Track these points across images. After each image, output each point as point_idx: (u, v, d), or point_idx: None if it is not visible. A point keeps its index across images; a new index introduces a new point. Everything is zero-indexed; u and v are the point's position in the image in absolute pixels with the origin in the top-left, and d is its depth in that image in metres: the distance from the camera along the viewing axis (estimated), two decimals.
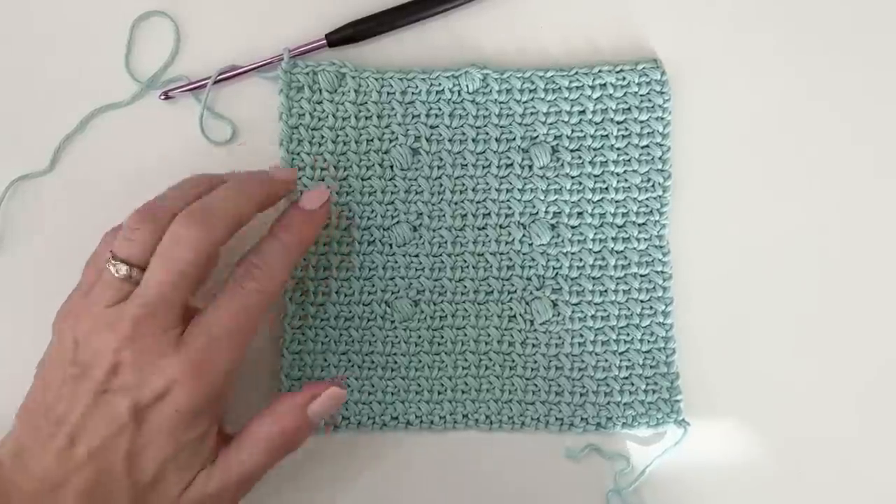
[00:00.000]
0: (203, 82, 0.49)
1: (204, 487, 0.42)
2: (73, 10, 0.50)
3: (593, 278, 0.49)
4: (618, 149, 0.49)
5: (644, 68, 0.49)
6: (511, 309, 0.49)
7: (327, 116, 0.49)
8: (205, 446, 0.42)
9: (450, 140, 0.49)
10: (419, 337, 0.49)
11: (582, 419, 0.49)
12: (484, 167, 0.49)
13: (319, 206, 0.46)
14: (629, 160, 0.49)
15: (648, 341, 0.49)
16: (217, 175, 0.45)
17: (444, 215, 0.49)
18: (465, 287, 0.49)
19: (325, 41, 0.49)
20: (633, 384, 0.49)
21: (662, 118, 0.49)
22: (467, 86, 0.49)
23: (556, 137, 0.49)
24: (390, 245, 0.49)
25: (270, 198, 0.45)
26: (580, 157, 0.49)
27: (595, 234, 0.49)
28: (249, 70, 0.49)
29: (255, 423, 0.44)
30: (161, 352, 0.41)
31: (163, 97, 0.49)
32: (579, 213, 0.49)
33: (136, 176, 0.50)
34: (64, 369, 0.41)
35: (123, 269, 0.41)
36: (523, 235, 0.49)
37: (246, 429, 0.44)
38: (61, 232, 0.50)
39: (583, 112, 0.49)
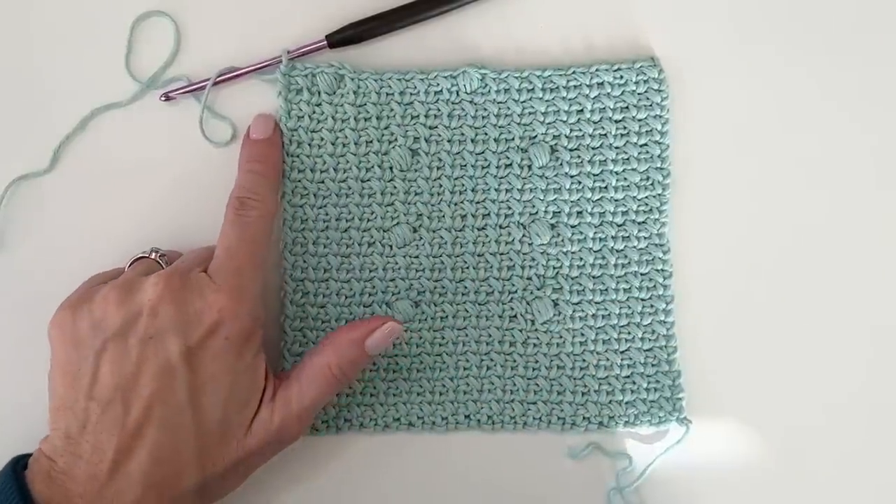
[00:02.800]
0: (203, 83, 0.49)
1: (268, 423, 0.43)
2: (73, 10, 0.50)
3: (594, 277, 0.49)
4: (616, 147, 0.49)
5: (641, 67, 0.49)
6: (512, 309, 0.49)
7: (326, 118, 0.49)
8: (259, 376, 0.44)
9: (449, 141, 0.49)
10: (420, 338, 0.49)
11: (584, 418, 0.49)
12: (483, 167, 0.49)
13: (272, 131, 0.48)
14: (628, 159, 0.49)
15: (650, 340, 0.49)
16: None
17: (443, 216, 0.49)
18: (466, 287, 0.49)
19: (325, 42, 0.49)
20: (634, 383, 0.49)
21: (661, 116, 0.49)
22: (465, 86, 0.49)
23: (554, 137, 0.49)
24: (390, 246, 0.49)
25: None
26: (579, 157, 0.49)
27: (595, 233, 0.49)
28: (248, 72, 0.49)
29: (314, 358, 0.45)
30: (199, 288, 0.42)
31: (163, 98, 0.49)
32: (579, 213, 0.49)
33: (136, 176, 0.50)
34: (88, 343, 0.42)
35: (161, 251, 0.47)
36: (523, 235, 0.49)
37: (303, 363, 0.45)
38: (61, 232, 0.50)
39: (581, 111, 0.49)
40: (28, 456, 0.42)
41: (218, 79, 0.49)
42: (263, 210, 0.46)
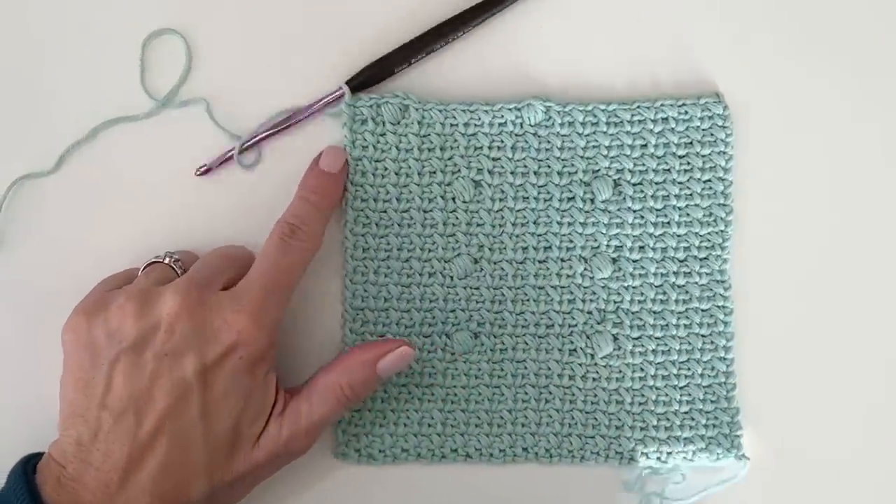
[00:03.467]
0: (257, 139, 0.49)
1: (276, 437, 0.44)
2: (90, 25, 0.50)
3: (654, 312, 0.49)
4: (680, 183, 0.49)
5: (706, 103, 0.49)
6: (572, 342, 0.49)
7: (390, 148, 0.49)
8: (269, 393, 0.44)
9: (512, 172, 0.49)
10: (479, 369, 0.49)
11: (642, 453, 0.49)
12: (546, 200, 0.49)
13: (340, 168, 0.48)
14: (691, 194, 0.49)
15: (709, 376, 0.49)
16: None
17: (505, 248, 0.49)
18: (526, 320, 0.49)
19: (344, 90, 0.49)
20: (693, 419, 0.49)
21: (724, 153, 0.49)
22: (530, 118, 0.49)
23: (618, 171, 0.49)
24: (451, 277, 0.49)
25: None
26: (642, 191, 0.49)
27: (657, 268, 0.49)
28: (311, 114, 0.49)
29: (325, 375, 0.45)
30: (218, 305, 0.43)
31: (200, 173, 0.49)
32: (641, 248, 0.49)
33: (142, 185, 0.50)
34: (103, 352, 0.42)
35: (175, 256, 0.46)
36: (585, 269, 0.49)
37: (315, 380, 0.45)
38: (62, 233, 0.50)
39: (645, 146, 0.49)
40: (37, 455, 0.43)
41: (276, 129, 0.49)
42: (309, 244, 0.46)
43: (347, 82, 0.49)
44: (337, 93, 0.49)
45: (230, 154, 0.49)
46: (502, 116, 0.49)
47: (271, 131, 0.49)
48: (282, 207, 0.47)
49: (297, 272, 0.46)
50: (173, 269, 0.46)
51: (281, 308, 0.45)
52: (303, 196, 0.47)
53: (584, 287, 0.49)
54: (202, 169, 0.49)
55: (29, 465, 0.42)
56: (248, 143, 0.49)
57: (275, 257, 0.45)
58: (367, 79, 0.49)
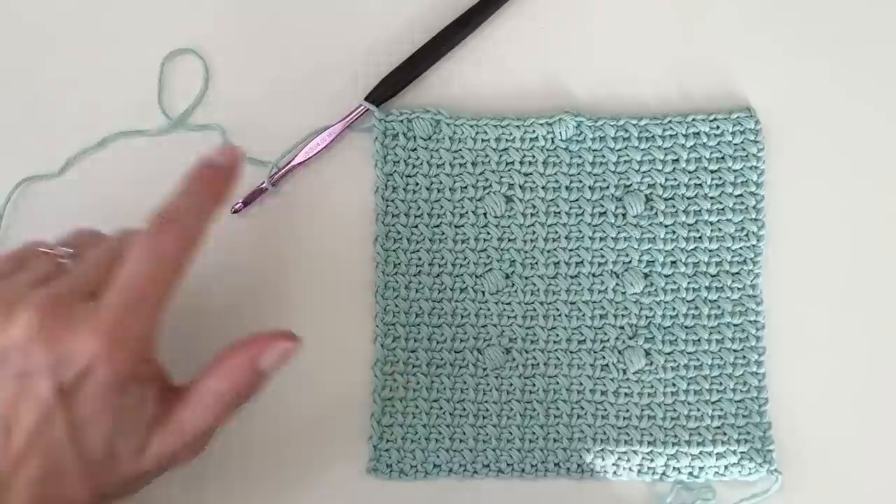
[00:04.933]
0: (287, 169, 0.49)
1: (159, 448, 0.41)
2: (116, 39, 0.51)
3: (686, 327, 0.49)
4: (712, 198, 0.49)
5: (738, 117, 0.49)
6: (604, 358, 0.49)
7: (422, 163, 0.49)
8: (147, 406, 0.41)
9: (543, 188, 0.49)
10: (511, 385, 0.49)
11: (674, 469, 0.49)
12: (577, 215, 0.49)
13: (226, 160, 0.43)
14: (723, 209, 0.49)
15: (741, 391, 0.49)
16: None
17: (536, 263, 0.49)
18: (558, 335, 0.49)
19: (366, 106, 0.49)
20: (725, 434, 0.49)
21: (756, 167, 0.49)
22: (561, 133, 0.49)
23: (649, 186, 0.49)
24: (483, 292, 0.49)
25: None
26: (674, 206, 0.49)
27: (689, 283, 0.49)
28: (341, 132, 0.49)
29: (205, 380, 0.41)
30: (75, 327, 0.39)
31: (235, 210, 0.49)
32: (673, 262, 0.49)
33: (142, 198, 0.48)
34: None
35: (64, 248, 0.43)
36: (616, 284, 0.49)
37: (196, 385, 0.41)
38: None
39: (676, 161, 0.49)
40: None
41: (307, 158, 0.49)
42: (182, 241, 0.41)
43: (366, 98, 0.49)
44: (359, 109, 0.49)
45: (264, 186, 0.49)
46: (534, 131, 0.49)
47: (302, 160, 0.49)
48: (293, 224, 0.47)
49: (164, 278, 0.40)
50: (59, 263, 0.43)
51: (150, 320, 0.40)
52: (178, 186, 0.42)
53: (616, 302, 0.49)
54: (237, 206, 0.49)
55: None
56: (279, 174, 0.49)
57: (136, 265, 0.40)
58: (385, 92, 0.49)
